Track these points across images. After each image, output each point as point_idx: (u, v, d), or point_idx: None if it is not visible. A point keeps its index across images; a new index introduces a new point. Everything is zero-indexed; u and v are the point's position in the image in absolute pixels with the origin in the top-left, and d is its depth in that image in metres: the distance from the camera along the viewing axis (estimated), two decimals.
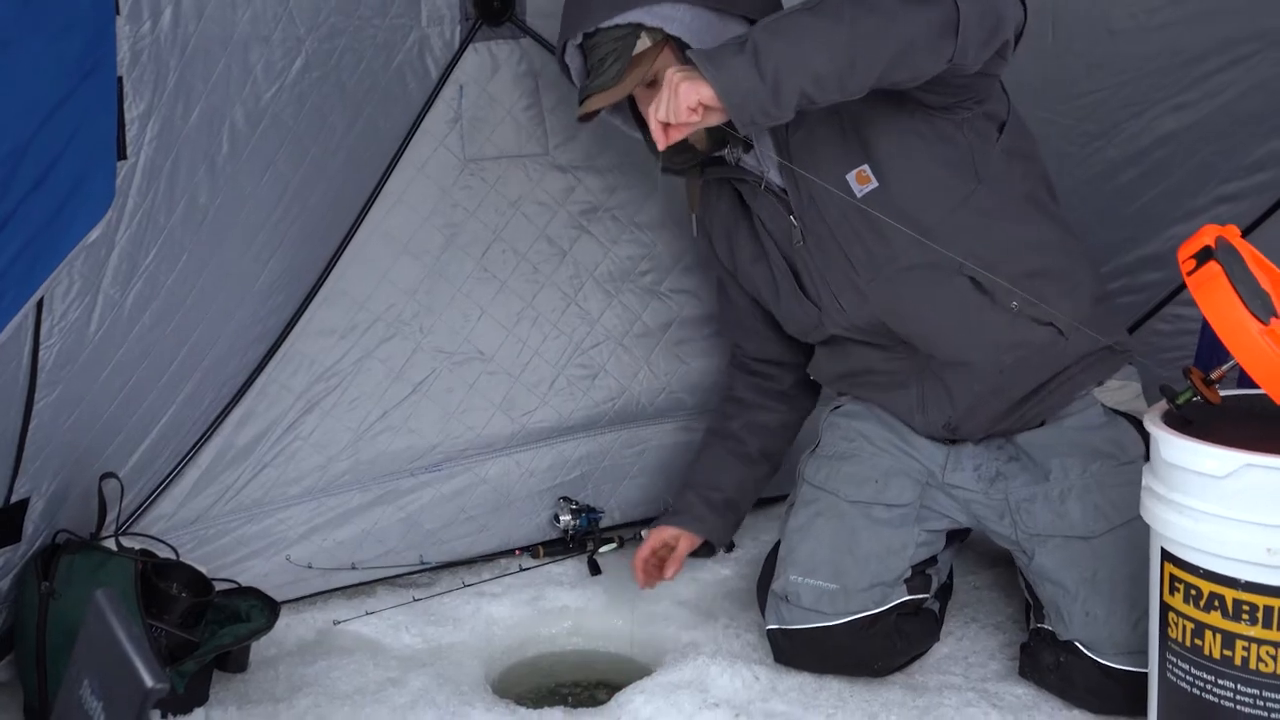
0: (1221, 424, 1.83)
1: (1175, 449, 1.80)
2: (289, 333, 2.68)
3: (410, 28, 2.62)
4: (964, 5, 1.97)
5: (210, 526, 2.67)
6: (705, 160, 2.43)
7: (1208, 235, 1.80)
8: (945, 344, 2.38)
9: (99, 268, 2.17)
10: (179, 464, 2.61)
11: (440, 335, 2.86)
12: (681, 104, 1.96)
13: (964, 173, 2.29)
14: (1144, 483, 1.90)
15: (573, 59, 2.35)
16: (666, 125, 2.02)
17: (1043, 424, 2.42)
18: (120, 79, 2.03)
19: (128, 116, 2.10)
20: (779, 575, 2.49)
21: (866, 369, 2.51)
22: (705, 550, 2.78)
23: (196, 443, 2.62)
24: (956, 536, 2.59)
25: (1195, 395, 1.87)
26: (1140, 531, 1.95)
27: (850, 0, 1.98)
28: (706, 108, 1.97)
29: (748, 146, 2.37)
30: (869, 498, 2.49)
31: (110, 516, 2.41)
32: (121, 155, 2.10)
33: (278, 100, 2.39)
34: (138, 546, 2.41)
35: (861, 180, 2.29)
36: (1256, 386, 1.77)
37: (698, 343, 3.12)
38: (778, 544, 2.58)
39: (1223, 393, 1.89)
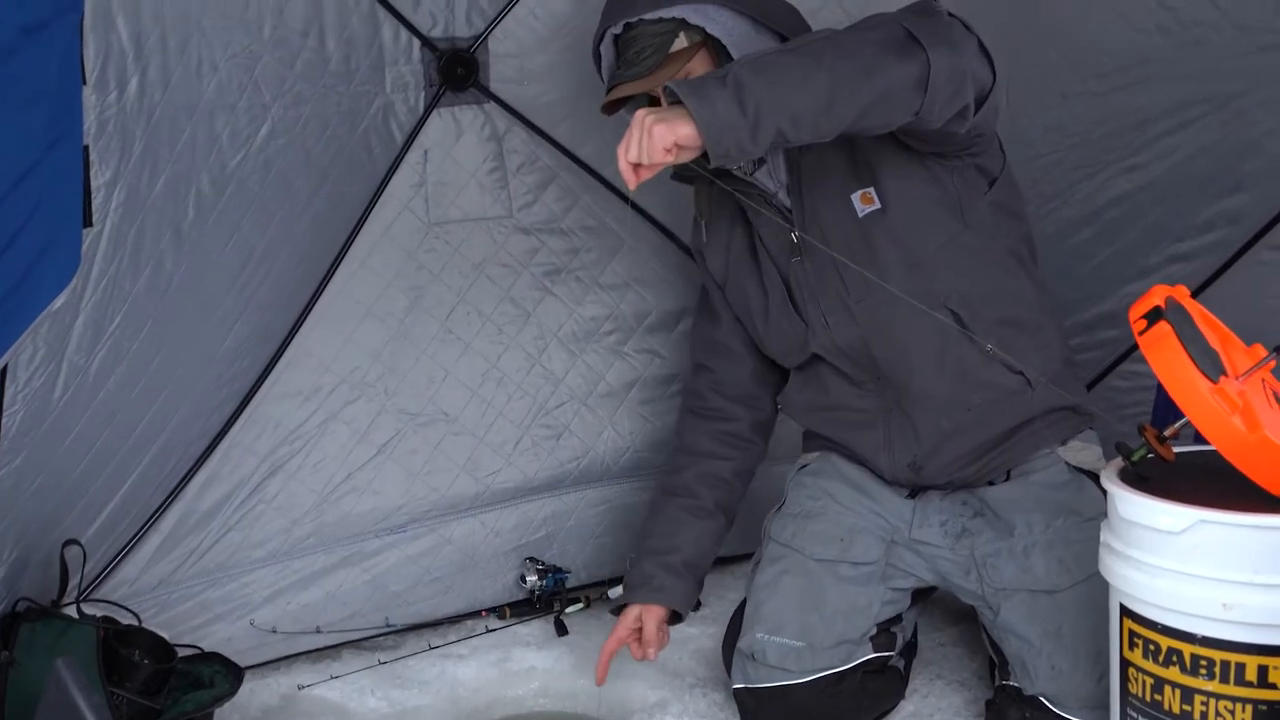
0: (1176, 480, 1.85)
1: (1131, 505, 1.82)
2: (254, 395, 2.69)
3: (375, 94, 2.64)
4: (935, 61, 2.00)
5: (173, 591, 2.65)
6: (716, 171, 2.40)
7: (1158, 295, 1.83)
8: (919, 373, 2.40)
9: (64, 335, 2.18)
10: (142, 528, 2.60)
11: (405, 397, 2.87)
12: (656, 145, 1.94)
13: (952, 214, 2.34)
14: (1102, 539, 1.91)
15: (606, 50, 2.37)
16: (636, 166, 2.00)
17: (1008, 476, 2.45)
18: (86, 148, 2.04)
19: (94, 184, 2.12)
20: (745, 633, 2.49)
21: (837, 404, 2.52)
22: (674, 618, 2.62)
23: (160, 507, 2.61)
24: (921, 595, 2.60)
25: (1150, 452, 1.89)
26: (1104, 587, 1.96)
27: (831, 46, 2.01)
28: (681, 147, 1.97)
29: (760, 162, 2.40)
30: (835, 555, 2.50)
31: (72, 583, 2.39)
32: (87, 223, 2.10)
33: (243, 167, 2.41)
34: (99, 613, 2.39)
35: (865, 201, 2.34)
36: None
37: (662, 402, 3.14)
38: (744, 602, 2.58)
39: (1177, 449, 1.91)
